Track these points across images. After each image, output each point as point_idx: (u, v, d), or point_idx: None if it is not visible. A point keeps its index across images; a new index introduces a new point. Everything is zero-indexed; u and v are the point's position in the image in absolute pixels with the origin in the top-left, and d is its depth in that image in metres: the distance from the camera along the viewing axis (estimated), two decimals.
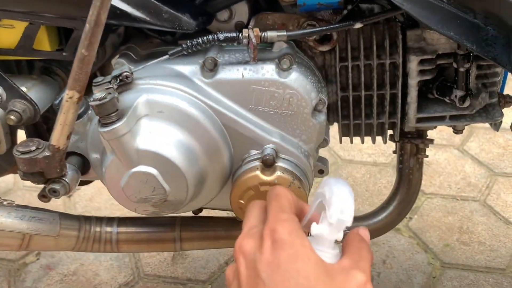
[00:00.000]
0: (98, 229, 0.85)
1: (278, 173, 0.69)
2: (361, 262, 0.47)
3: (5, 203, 0.78)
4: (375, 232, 0.91)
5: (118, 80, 0.67)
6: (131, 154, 0.65)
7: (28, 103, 0.74)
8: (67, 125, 0.65)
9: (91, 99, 0.61)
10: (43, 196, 0.87)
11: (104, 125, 0.63)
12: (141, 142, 0.65)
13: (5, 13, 0.69)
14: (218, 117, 0.70)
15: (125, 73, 0.67)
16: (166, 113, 0.67)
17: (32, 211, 0.80)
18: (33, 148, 0.67)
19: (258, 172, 0.70)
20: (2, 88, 0.71)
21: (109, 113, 0.62)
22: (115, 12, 0.67)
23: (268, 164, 0.69)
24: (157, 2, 0.69)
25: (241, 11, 0.78)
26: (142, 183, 0.66)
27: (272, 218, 0.49)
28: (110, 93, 0.62)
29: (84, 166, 0.76)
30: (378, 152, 1.76)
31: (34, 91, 0.77)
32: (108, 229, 0.85)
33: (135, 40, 0.81)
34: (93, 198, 1.54)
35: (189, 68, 0.71)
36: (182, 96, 0.68)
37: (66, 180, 0.71)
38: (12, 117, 0.72)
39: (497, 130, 0.89)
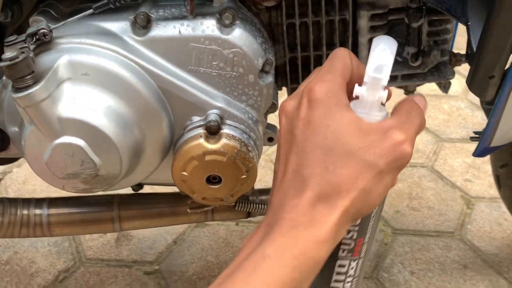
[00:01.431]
0: (25, 212, 0.76)
1: (224, 140, 0.63)
2: (406, 123, 0.44)
3: None
4: None
5: (35, 39, 0.58)
6: (53, 123, 0.57)
7: None
8: None
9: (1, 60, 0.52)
10: None
11: (18, 89, 0.54)
12: (63, 109, 0.57)
13: None
14: (153, 80, 0.63)
15: (42, 31, 0.58)
16: (92, 76, 0.59)
17: None
18: None
19: (202, 140, 0.63)
20: None
21: (23, 76, 0.53)
22: None
23: (212, 131, 0.63)
24: None
25: None
26: (68, 156, 0.58)
27: (315, 78, 0.46)
28: (23, 52, 0.53)
29: (3, 141, 0.67)
30: None
31: None
32: (37, 211, 0.77)
33: None
34: (27, 181, 1.42)
35: (118, 25, 0.63)
36: (111, 56, 0.60)
37: None
38: None
39: (446, 93, 0.87)
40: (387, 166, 0.42)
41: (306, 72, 0.76)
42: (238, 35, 0.64)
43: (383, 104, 0.45)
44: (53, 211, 0.77)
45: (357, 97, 0.45)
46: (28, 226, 0.76)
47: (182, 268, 1.16)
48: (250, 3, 0.71)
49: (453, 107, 1.81)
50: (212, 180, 0.66)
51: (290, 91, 0.79)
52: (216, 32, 0.63)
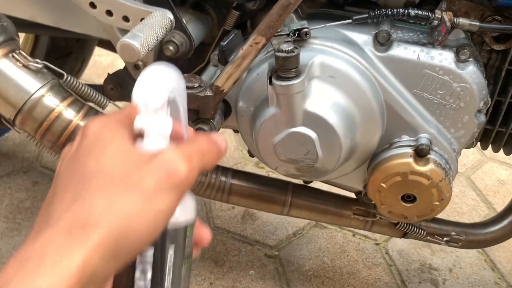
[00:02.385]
0: (214, 176, 0.85)
1: (431, 165, 0.67)
2: (187, 148, 0.37)
3: None
4: (482, 243, 0.89)
5: (296, 35, 0.64)
6: (297, 114, 0.63)
7: (186, 37, 0.73)
8: (239, 70, 0.63)
9: (278, 50, 0.59)
10: None
11: (281, 78, 0.61)
12: (309, 104, 0.63)
13: None
14: (382, 94, 0.68)
15: (305, 30, 0.64)
16: (337, 79, 0.65)
17: None
18: (196, 84, 0.66)
19: (410, 160, 0.67)
20: (172, 15, 0.69)
21: (291, 68, 0.60)
22: None
23: (422, 154, 0.67)
24: None
25: None
26: (298, 144, 0.65)
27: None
28: (296, 47, 0.60)
29: (226, 111, 0.75)
30: None
31: (191, 26, 0.75)
32: (223, 178, 0.85)
33: None
34: None
35: (362, 37, 0.68)
36: (355, 65, 0.66)
37: (214, 122, 0.70)
38: (170, 47, 0.71)
39: None
40: (154, 186, 0.34)
41: (507, 118, 0.78)
42: (471, 71, 0.67)
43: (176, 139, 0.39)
44: (236, 181, 0.85)
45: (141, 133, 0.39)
46: (213, 188, 0.85)
47: (300, 261, 1.21)
48: (476, 42, 0.74)
49: None
50: (406, 198, 0.70)
51: (482, 132, 0.80)
52: (452, 65, 0.66)
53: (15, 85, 0.70)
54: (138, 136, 0.38)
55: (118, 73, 0.86)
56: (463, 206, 1.53)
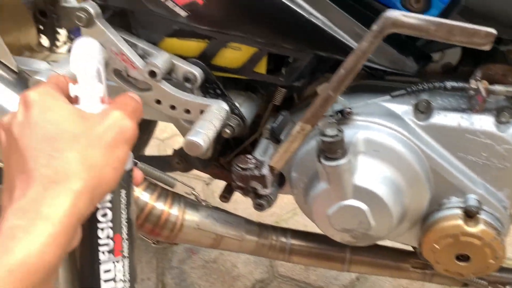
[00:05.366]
0: (274, 237, 0.91)
1: (482, 226, 0.70)
2: (122, 105, 0.45)
3: (203, 203, 0.86)
4: None
5: (340, 115, 0.70)
6: (347, 188, 0.69)
7: (240, 119, 0.81)
8: (289, 152, 0.70)
9: (323, 134, 0.66)
10: (224, 197, 0.95)
11: (328, 159, 0.67)
12: (358, 179, 0.69)
13: (240, 38, 0.75)
14: (427, 161, 0.71)
15: (347, 110, 0.70)
16: (381, 152, 0.70)
17: (224, 214, 0.88)
18: (252, 166, 0.73)
19: (460, 222, 0.70)
20: (226, 105, 0.77)
21: (336, 149, 0.66)
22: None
23: (471, 215, 0.70)
24: (384, 43, 0.71)
25: (452, 52, 0.78)
26: (350, 215, 0.70)
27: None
28: (340, 131, 0.66)
29: (280, 180, 0.82)
30: None
31: (243, 107, 0.83)
32: (283, 239, 0.91)
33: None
34: None
35: (402, 108, 0.73)
36: (397, 137, 0.71)
37: (271, 196, 0.77)
38: (227, 131, 0.79)
39: None
40: (112, 141, 0.43)
41: None
42: None
43: (103, 102, 0.47)
44: (295, 242, 0.91)
45: (76, 98, 0.47)
46: (274, 250, 0.91)
47: None
48: None
49: None
50: (460, 256, 0.73)
51: None
52: (493, 129, 0.69)
53: None
54: (73, 101, 0.47)
55: (182, 149, 0.96)
56: None
